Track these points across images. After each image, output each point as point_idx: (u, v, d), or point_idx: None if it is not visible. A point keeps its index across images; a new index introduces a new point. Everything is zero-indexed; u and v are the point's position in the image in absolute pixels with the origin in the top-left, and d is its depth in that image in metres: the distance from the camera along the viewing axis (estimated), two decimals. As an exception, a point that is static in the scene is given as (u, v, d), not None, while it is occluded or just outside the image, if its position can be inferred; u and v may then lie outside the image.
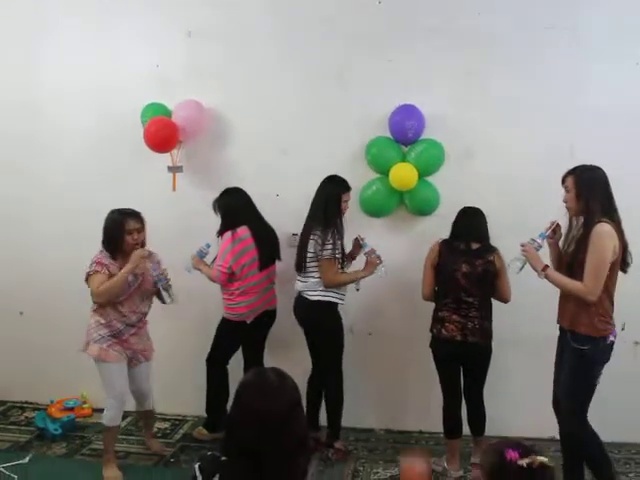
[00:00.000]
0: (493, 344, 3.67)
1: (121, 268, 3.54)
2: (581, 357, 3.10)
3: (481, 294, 3.59)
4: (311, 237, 3.77)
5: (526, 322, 4.01)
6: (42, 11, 4.44)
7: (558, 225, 3.28)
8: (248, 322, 4.02)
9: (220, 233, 3.98)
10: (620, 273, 3.13)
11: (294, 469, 1.69)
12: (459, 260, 3.57)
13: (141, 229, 3.65)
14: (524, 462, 1.66)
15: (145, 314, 3.77)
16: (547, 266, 3.18)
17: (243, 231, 3.92)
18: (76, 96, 4.42)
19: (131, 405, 3.98)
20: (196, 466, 1.79)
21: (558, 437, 3.45)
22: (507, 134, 4.01)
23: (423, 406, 4.19)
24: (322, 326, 3.88)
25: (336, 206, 3.78)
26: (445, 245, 3.66)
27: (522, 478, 1.66)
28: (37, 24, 4.46)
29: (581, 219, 3.13)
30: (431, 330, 3.71)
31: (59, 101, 4.46)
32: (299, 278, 3.89)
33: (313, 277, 3.81)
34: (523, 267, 3.22)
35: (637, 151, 3.67)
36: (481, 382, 3.74)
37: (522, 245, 3.22)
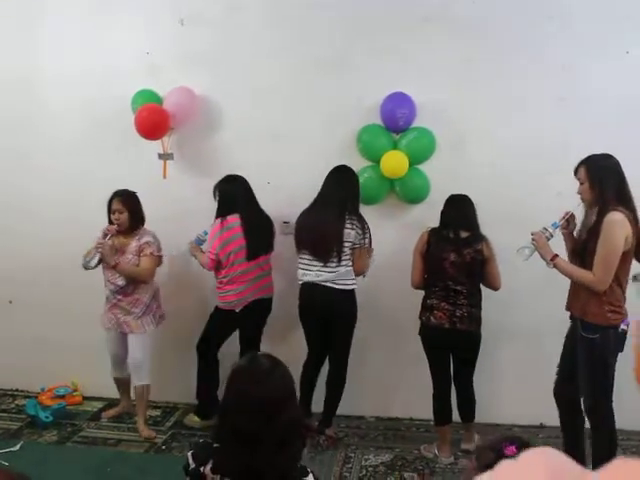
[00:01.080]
0: (484, 332, 3.69)
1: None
2: (592, 347, 3.07)
3: (469, 282, 3.60)
4: (349, 226, 3.75)
5: (518, 310, 4.03)
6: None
7: (572, 215, 3.25)
8: (237, 310, 4.03)
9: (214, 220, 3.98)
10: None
11: (287, 455, 1.70)
12: (447, 249, 3.59)
13: (122, 210, 3.90)
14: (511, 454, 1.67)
15: (121, 287, 3.95)
16: (556, 255, 3.14)
17: (233, 219, 3.92)
18: (66, 82, 4.37)
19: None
20: (189, 454, 1.80)
21: (548, 424, 3.47)
22: (499, 123, 4.01)
23: (413, 393, 4.21)
24: (355, 314, 3.89)
25: (359, 196, 3.87)
26: (434, 234, 3.67)
27: None
28: (27, 10, 4.40)
29: (596, 209, 3.08)
30: (420, 318, 3.73)
31: (48, 87, 4.42)
32: (322, 268, 3.78)
33: (346, 266, 3.78)
34: (531, 255, 3.20)
35: (629, 140, 3.68)
36: (470, 369, 3.76)
37: (532, 234, 3.18)
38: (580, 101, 3.91)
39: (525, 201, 3.95)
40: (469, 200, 3.66)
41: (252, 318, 4.11)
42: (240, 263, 3.95)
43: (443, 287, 3.61)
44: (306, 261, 3.83)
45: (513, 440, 1.68)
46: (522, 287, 3.90)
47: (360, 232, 3.77)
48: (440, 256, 3.60)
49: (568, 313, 3.29)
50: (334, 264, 3.76)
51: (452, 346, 3.69)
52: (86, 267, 3.95)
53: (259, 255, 4.02)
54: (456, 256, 3.56)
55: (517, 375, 4.11)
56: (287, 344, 4.20)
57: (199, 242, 4.05)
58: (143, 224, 4.03)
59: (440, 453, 3.80)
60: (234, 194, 3.96)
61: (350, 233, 3.75)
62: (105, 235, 3.89)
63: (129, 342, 4.07)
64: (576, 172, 3.14)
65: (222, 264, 3.94)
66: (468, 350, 3.70)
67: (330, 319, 3.85)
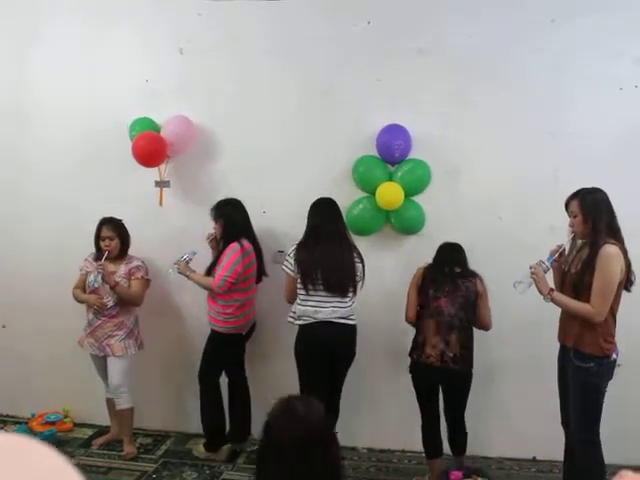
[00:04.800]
0: (476, 365, 3.67)
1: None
2: (586, 375, 3.12)
3: (462, 319, 3.58)
4: (357, 260, 3.74)
5: (509, 344, 4.03)
6: (32, 22, 4.43)
7: (564, 249, 3.31)
8: (244, 333, 4.08)
9: (222, 244, 3.98)
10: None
11: None
12: (442, 284, 3.59)
13: (112, 237, 4.00)
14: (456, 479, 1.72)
15: (107, 308, 4.02)
16: (552, 289, 3.19)
17: (249, 245, 3.96)
18: (64, 109, 4.40)
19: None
20: None
21: (540, 457, 3.46)
22: (492, 155, 4.05)
23: (406, 425, 4.18)
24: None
25: None
26: (429, 269, 3.67)
27: None
28: (27, 35, 4.45)
29: (586, 241, 3.17)
30: (410, 355, 3.69)
31: (46, 113, 4.44)
32: (337, 304, 3.69)
33: (353, 300, 3.77)
34: (528, 288, 3.22)
35: (620, 175, 3.71)
36: (461, 406, 3.70)
37: (531, 267, 3.21)
38: (572, 136, 3.94)
39: (517, 233, 3.97)
40: (460, 245, 3.67)
41: (247, 340, 4.16)
42: (252, 288, 4.06)
43: (436, 323, 3.58)
44: (318, 297, 3.68)
45: (462, 468, 1.75)
46: (513, 321, 3.91)
47: (361, 265, 3.77)
48: (434, 291, 3.59)
49: (558, 346, 3.31)
50: (348, 299, 3.72)
51: (442, 384, 3.66)
52: (91, 286, 4.03)
53: (261, 279, 4.13)
54: (451, 290, 3.56)
55: (508, 408, 4.10)
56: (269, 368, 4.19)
57: (187, 261, 3.99)
58: (128, 250, 4.12)
59: None
60: (241, 219, 4.00)
61: (359, 267, 3.76)
62: (101, 256, 3.96)
63: (108, 366, 4.10)
64: (567, 205, 3.20)
65: (235, 287, 3.93)
66: (458, 389, 3.65)
67: (340, 357, 3.78)
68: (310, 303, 3.69)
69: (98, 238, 4.02)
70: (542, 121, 4.00)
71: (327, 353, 3.70)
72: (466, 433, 3.75)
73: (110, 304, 4.03)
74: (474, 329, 3.66)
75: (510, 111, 4.02)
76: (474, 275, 3.61)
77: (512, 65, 4.02)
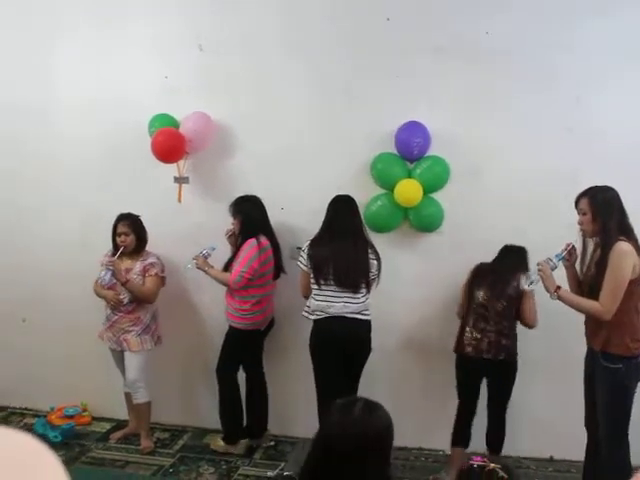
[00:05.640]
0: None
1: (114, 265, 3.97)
2: (615, 376, 3.09)
3: (503, 313, 3.61)
4: (372, 257, 3.75)
5: (529, 342, 3.96)
6: (53, 21, 4.46)
7: (573, 247, 3.28)
8: (262, 329, 4.10)
9: (240, 240, 4.00)
10: None
11: None
12: (484, 280, 3.65)
13: (128, 233, 4.02)
14: (477, 463, 1.77)
15: (123, 304, 4.04)
16: (559, 287, 3.17)
17: (266, 241, 3.98)
18: (84, 105, 4.43)
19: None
20: None
21: (557, 457, 3.44)
22: (512, 153, 4.01)
23: (423, 423, 4.19)
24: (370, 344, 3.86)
25: None
26: (477, 266, 3.74)
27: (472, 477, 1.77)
28: (48, 34, 4.48)
29: (594, 240, 3.15)
30: (456, 349, 3.75)
31: (66, 110, 4.47)
32: (350, 299, 3.72)
33: (367, 297, 3.77)
34: (536, 285, 3.23)
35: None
36: (501, 399, 3.72)
37: (538, 264, 3.21)
38: (593, 133, 3.91)
39: (535, 231, 3.93)
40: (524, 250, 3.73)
41: (266, 335, 4.19)
42: (270, 284, 4.08)
43: (481, 316, 3.64)
44: (329, 292, 3.71)
45: (484, 456, 1.80)
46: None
47: (377, 262, 3.78)
48: (477, 286, 3.67)
49: (580, 346, 3.29)
50: (361, 295, 3.73)
51: (484, 375, 3.70)
52: (102, 284, 4.04)
53: (279, 275, 4.13)
54: (491, 287, 3.62)
55: (525, 408, 4.03)
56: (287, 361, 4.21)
57: (206, 256, 4.04)
58: (145, 247, 4.14)
59: (448, 477, 3.76)
60: (259, 215, 4.03)
61: (373, 263, 3.76)
62: (114, 254, 3.99)
63: (125, 361, 4.14)
64: (577, 203, 3.18)
65: (252, 283, 3.95)
66: (500, 380, 3.69)
67: (353, 352, 3.78)
68: (322, 298, 3.72)
69: (115, 234, 4.05)
70: (561, 119, 3.96)
71: (340, 348, 3.71)
72: (502, 432, 3.75)
73: (126, 301, 4.05)
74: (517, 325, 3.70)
75: (529, 108, 3.98)
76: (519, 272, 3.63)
77: (533, 61, 3.97)
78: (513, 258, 3.71)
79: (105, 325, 4.17)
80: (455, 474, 1.89)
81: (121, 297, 4.03)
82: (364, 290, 3.73)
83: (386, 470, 1.69)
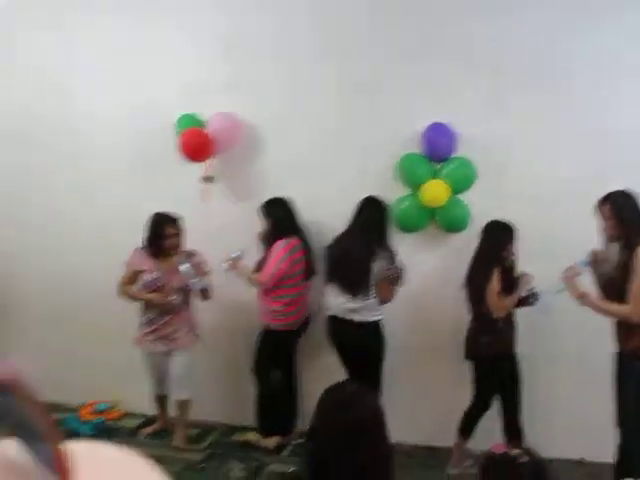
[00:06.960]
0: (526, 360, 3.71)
1: (157, 267, 4.00)
2: None
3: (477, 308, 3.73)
4: (377, 258, 3.79)
5: (561, 341, 4.01)
6: (80, 22, 4.51)
7: (598, 252, 3.30)
8: (295, 329, 4.14)
9: (270, 241, 4.04)
10: None
11: None
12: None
13: (178, 235, 4.01)
14: (499, 450, 1.78)
15: (175, 305, 4.05)
16: (585, 293, 3.19)
17: (296, 241, 4.01)
18: (112, 107, 4.50)
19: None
20: None
21: (589, 459, 3.44)
22: (539, 154, 3.99)
23: (433, 421, 4.24)
24: (379, 347, 3.92)
25: (386, 225, 3.91)
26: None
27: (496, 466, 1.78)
28: (75, 37, 4.54)
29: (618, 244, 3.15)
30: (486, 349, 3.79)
31: (94, 112, 4.54)
32: (348, 300, 3.86)
33: (371, 298, 3.83)
34: (562, 292, 3.26)
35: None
36: (510, 399, 3.78)
37: (564, 271, 3.25)
38: (621, 134, 3.87)
39: (562, 232, 3.91)
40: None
41: (300, 335, 4.24)
42: (302, 284, 4.11)
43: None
44: (333, 292, 3.92)
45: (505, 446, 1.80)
46: (564, 315, 3.87)
47: (385, 263, 3.80)
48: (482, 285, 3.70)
49: (610, 345, 3.29)
50: (360, 297, 3.81)
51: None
52: (194, 288, 4.02)
53: (312, 276, 4.16)
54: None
55: (557, 407, 4.06)
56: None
57: (239, 258, 4.05)
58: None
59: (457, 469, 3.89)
60: (290, 217, 4.06)
61: (375, 265, 3.79)
62: (164, 254, 4.02)
63: (173, 359, 4.14)
64: (599, 209, 3.20)
65: (283, 283, 4.00)
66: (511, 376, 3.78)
67: (349, 350, 3.95)
68: (328, 296, 3.95)
69: (161, 236, 3.99)
70: (589, 119, 3.93)
71: (337, 346, 3.99)
72: (519, 427, 3.78)
73: (176, 302, 4.05)
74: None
75: (556, 109, 3.95)
76: None
77: (560, 61, 3.94)
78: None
79: (146, 329, 4.12)
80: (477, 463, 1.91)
81: (172, 298, 4.03)
82: (364, 292, 3.80)
83: (383, 452, 1.71)
